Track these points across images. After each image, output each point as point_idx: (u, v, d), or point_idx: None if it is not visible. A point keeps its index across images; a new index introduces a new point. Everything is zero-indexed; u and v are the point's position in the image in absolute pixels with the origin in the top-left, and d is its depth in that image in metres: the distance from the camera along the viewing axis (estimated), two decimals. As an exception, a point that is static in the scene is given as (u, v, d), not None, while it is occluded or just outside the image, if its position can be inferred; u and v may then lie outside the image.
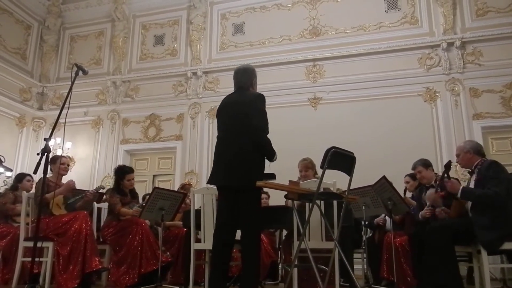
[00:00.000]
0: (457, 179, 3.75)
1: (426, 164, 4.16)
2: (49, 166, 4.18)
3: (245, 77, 3.26)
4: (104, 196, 4.92)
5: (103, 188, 4.53)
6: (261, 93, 3.20)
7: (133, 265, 4.13)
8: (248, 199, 2.96)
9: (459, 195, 3.25)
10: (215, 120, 3.67)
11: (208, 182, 3.17)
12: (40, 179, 3.93)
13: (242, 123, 3.02)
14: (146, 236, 4.23)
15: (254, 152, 2.97)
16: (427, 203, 3.82)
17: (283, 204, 4.11)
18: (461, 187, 3.26)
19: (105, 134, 8.41)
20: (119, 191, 4.49)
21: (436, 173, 4.20)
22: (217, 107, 3.32)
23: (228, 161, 3.01)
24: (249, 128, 2.99)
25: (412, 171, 4.34)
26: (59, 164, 4.13)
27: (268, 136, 3.08)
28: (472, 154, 3.41)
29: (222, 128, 3.19)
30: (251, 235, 2.93)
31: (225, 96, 3.33)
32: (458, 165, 3.72)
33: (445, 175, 3.44)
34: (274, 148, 3.09)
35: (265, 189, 3.95)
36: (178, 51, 8.46)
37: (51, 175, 4.23)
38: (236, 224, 3.01)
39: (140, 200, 4.96)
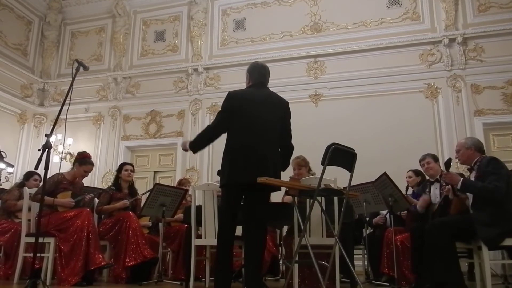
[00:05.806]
0: (462, 174, 3.74)
1: (435, 157, 4.20)
2: (72, 159, 4.25)
3: (268, 74, 3.26)
4: None
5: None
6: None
7: (121, 259, 4.13)
8: (265, 198, 3.02)
9: (459, 186, 3.24)
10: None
11: (231, 179, 2.87)
12: (54, 175, 4.01)
13: (276, 126, 3.08)
14: (133, 229, 4.18)
15: (279, 154, 3.09)
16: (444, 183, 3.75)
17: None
18: (461, 179, 3.25)
19: (106, 130, 8.42)
20: (115, 186, 4.60)
21: (442, 170, 4.19)
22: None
23: (260, 158, 2.91)
24: (283, 134, 3.13)
25: (413, 169, 4.35)
26: (82, 170, 4.23)
27: None
28: (473, 150, 3.40)
29: (249, 123, 2.96)
30: (262, 234, 2.92)
31: (240, 89, 3.20)
32: (458, 161, 3.70)
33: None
34: None
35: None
36: (179, 47, 8.45)
37: (68, 170, 4.34)
38: (236, 222, 2.97)
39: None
